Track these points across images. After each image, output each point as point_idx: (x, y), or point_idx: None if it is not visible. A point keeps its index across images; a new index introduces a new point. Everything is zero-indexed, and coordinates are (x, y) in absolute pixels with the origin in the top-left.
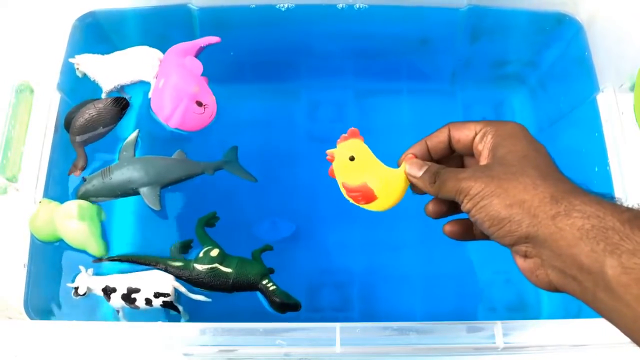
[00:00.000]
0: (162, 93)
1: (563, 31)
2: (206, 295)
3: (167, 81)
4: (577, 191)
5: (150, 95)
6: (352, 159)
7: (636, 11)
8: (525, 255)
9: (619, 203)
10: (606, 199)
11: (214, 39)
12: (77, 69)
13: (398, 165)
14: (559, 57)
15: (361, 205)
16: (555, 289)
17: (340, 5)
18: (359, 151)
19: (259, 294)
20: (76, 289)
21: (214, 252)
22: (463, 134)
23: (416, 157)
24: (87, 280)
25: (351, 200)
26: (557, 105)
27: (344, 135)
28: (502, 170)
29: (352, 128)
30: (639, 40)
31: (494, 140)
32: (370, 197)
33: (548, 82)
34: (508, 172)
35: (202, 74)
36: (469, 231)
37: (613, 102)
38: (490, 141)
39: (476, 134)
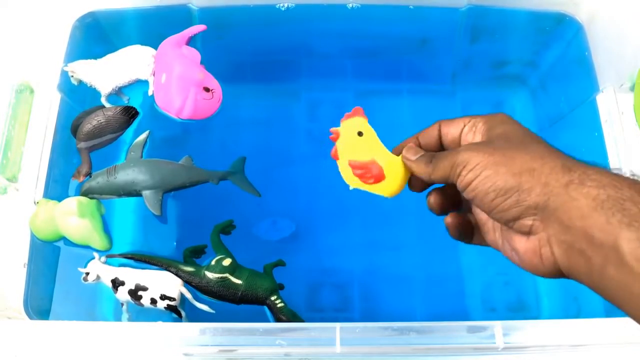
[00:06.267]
0: (168, 87)
1: (563, 31)
2: (210, 306)
3: (169, 74)
4: (588, 163)
5: (151, 93)
6: (360, 134)
7: (636, 11)
8: (529, 232)
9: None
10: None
11: (200, 27)
12: (72, 76)
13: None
14: (559, 57)
15: (367, 189)
16: (559, 272)
17: (340, 5)
18: (366, 128)
19: (266, 308)
20: (87, 274)
21: (226, 262)
22: (452, 127)
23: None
24: (99, 268)
25: (352, 184)
26: (557, 106)
27: (347, 113)
28: (504, 144)
29: (357, 107)
30: (639, 40)
31: (487, 124)
32: (379, 175)
33: (548, 82)
34: (512, 145)
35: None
36: (456, 202)
37: (613, 102)
38: (483, 127)
39: (465, 126)
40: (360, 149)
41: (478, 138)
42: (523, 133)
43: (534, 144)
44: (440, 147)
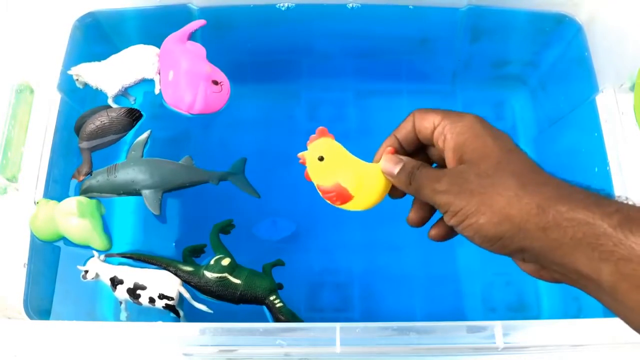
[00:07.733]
0: (177, 83)
1: (563, 31)
2: (208, 306)
3: (177, 70)
4: (562, 195)
5: (158, 91)
6: (321, 159)
7: (636, 11)
8: (524, 260)
9: (612, 199)
10: (600, 195)
11: (200, 22)
12: (77, 80)
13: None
14: (559, 57)
15: (341, 207)
16: (564, 283)
17: (340, 5)
18: (328, 150)
19: (264, 308)
20: (86, 272)
21: (225, 262)
22: (423, 126)
23: (395, 150)
24: (98, 266)
25: (329, 202)
26: (557, 106)
27: (312, 135)
28: (479, 183)
29: (320, 127)
30: (639, 40)
31: (455, 139)
32: (345, 196)
33: (548, 83)
34: (486, 185)
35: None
36: (453, 231)
37: (613, 102)
38: (451, 141)
39: (435, 129)
40: (324, 174)
41: (449, 155)
42: (497, 160)
43: (509, 177)
44: (418, 141)
